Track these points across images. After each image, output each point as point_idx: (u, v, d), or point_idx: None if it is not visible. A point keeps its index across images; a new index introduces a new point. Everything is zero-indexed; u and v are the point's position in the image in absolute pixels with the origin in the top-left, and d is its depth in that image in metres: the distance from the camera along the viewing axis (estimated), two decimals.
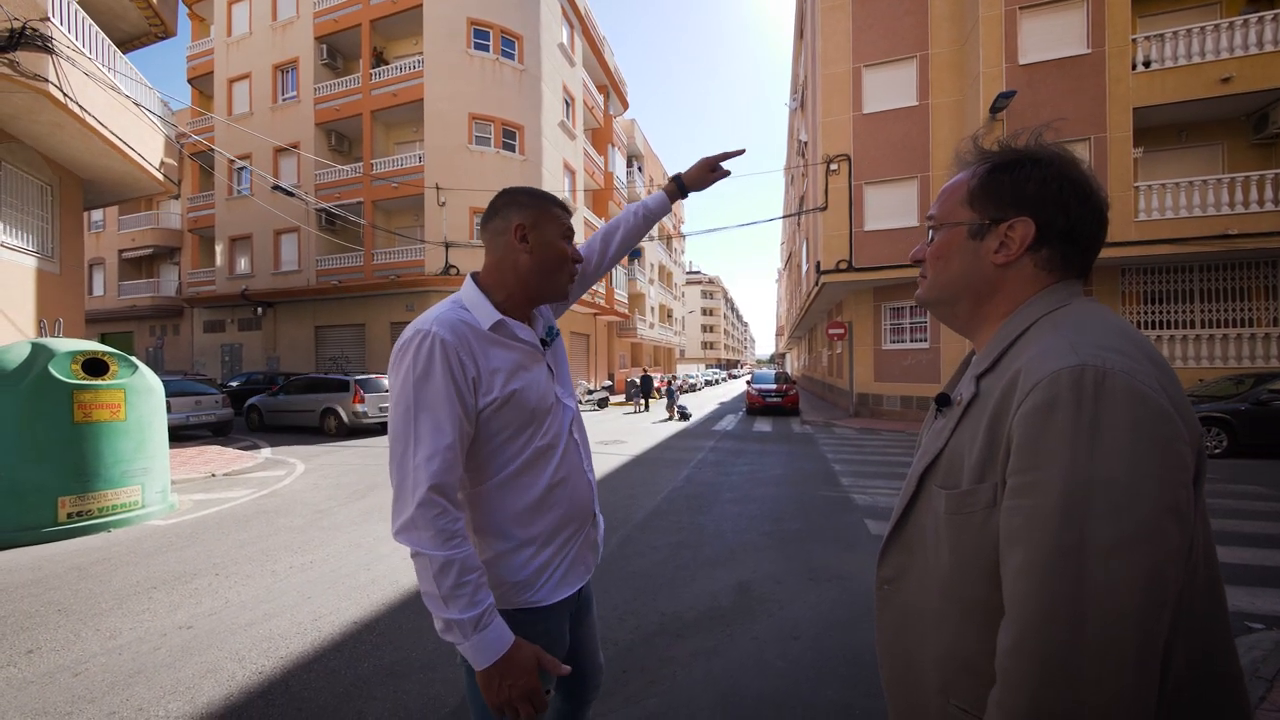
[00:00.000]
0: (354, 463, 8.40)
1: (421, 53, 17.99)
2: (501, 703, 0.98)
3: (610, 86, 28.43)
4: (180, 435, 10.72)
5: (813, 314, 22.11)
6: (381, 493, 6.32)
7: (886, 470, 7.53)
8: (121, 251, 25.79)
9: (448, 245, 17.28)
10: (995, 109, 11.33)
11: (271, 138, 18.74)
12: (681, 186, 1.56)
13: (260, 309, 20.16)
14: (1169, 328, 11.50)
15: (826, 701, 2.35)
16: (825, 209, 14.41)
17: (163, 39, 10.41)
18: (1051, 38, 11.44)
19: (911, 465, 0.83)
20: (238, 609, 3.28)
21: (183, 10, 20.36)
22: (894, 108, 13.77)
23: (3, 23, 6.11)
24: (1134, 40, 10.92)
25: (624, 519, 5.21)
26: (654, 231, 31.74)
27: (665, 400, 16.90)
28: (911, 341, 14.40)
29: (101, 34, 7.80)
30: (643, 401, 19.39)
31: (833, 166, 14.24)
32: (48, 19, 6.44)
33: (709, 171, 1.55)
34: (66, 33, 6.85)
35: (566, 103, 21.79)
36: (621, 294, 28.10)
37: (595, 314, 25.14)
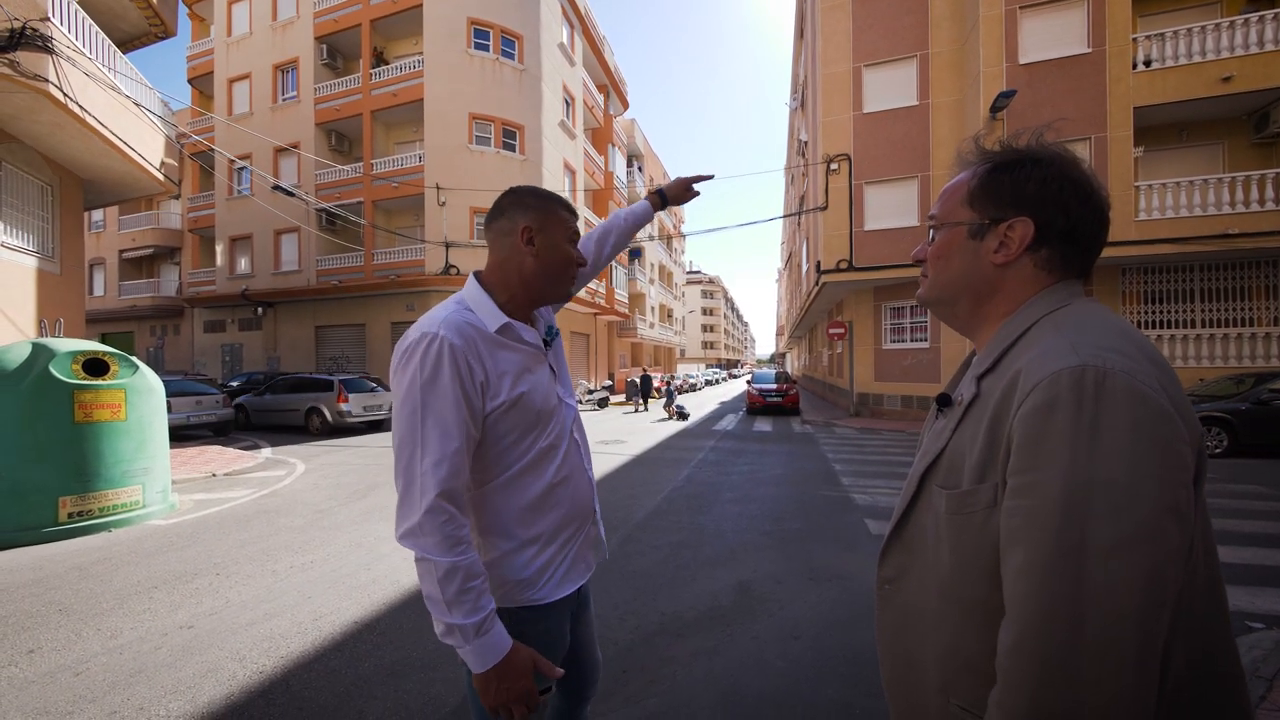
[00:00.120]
0: (354, 463, 8.40)
1: (421, 53, 17.98)
2: (498, 705, 1.00)
3: (610, 86, 28.42)
4: (181, 435, 10.73)
5: (813, 314, 22.11)
6: (382, 493, 6.32)
7: (887, 470, 7.53)
8: (122, 251, 25.80)
9: (448, 245, 17.29)
10: (995, 108, 11.33)
11: (272, 138, 18.74)
12: (663, 198, 1.73)
13: (260, 309, 20.16)
14: (1169, 327, 11.50)
15: (827, 701, 2.35)
16: (825, 209, 14.41)
17: (163, 39, 10.41)
18: (1052, 37, 11.44)
19: (912, 465, 0.83)
20: (238, 609, 3.28)
21: (183, 10, 20.37)
22: (894, 107, 13.77)
23: (3, 23, 6.12)
24: (1134, 39, 10.92)
25: (624, 519, 5.21)
26: (654, 231, 31.76)
27: (664, 400, 16.92)
28: (912, 341, 14.41)
29: (101, 34, 7.80)
30: (642, 401, 19.42)
31: (833, 166, 14.24)
32: (48, 19, 6.44)
33: (684, 190, 1.74)
34: (66, 33, 6.85)
35: (566, 102, 21.79)
36: (622, 294, 28.11)
37: (595, 314, 25.15)
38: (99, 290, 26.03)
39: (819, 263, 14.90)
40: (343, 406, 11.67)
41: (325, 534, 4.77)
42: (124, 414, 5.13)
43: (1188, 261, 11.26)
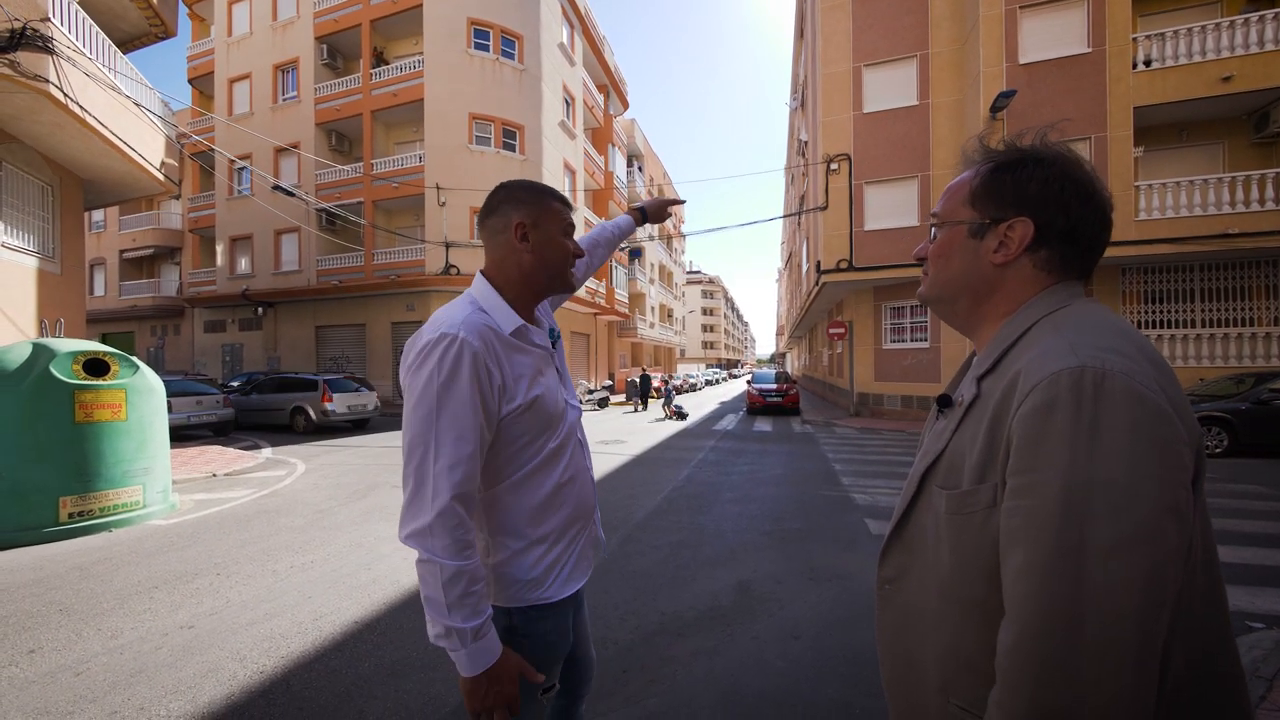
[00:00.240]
0: (354, 463, 8.40)
1: (421, 53, 17.98)
2: (482, 709, 1.00)
3: (610, 86, 28.42)
4: (181, 435, 10.73)
5: (813, 314, 22.11)
6: (382, 493, 6.32)
7: (887, 470, 7.54)
8: (122, 252, 25.81)
9: (448, 245, 17.29)
10: (995, 108, 11.33)
11: (272, 138, 18.74)
12: (644, 214, 1.86)
13: (261, 309, 20.17)
14: (1169, 327, 11.50)
15: (827, 700, 2.35)
16: (825, 208, 14.41)
17: (163, 39, 10.41)
18: (1052, 37, 11.44)
19: (913, 466, 0.83)
20: (239, 608, 3.28)
21: (183, 10, 20.38)
22: (894, 107, 13.77)
23: (3, 23, 6.12)
24: (1134, 39, 10.91)
25: (624, 518, 5.22)
26: (654, 231, 31.72)
27: (663, 400, 16.94)
28: (912, 341, 14.41)
29: (102, 34, 7.80)
30: (641, 401, 19.44)
31: (833, 166, 14.24)
32: (48, 19, 6.44)
33: (662, 209, 1.88)
34: (67, 33, 6.85)
35: (566, 102, 21.79)
36: (622, 294, 28.10)
37: (595, 314, 25.15)
38: (99, 290, 26.04)
39: (819, 262, 14.90)
40: (327, 406, 11.91)
41: (325, 534, 4.77)
42: (124, 414, 5.13)
43: (1188, 261, 11.26)
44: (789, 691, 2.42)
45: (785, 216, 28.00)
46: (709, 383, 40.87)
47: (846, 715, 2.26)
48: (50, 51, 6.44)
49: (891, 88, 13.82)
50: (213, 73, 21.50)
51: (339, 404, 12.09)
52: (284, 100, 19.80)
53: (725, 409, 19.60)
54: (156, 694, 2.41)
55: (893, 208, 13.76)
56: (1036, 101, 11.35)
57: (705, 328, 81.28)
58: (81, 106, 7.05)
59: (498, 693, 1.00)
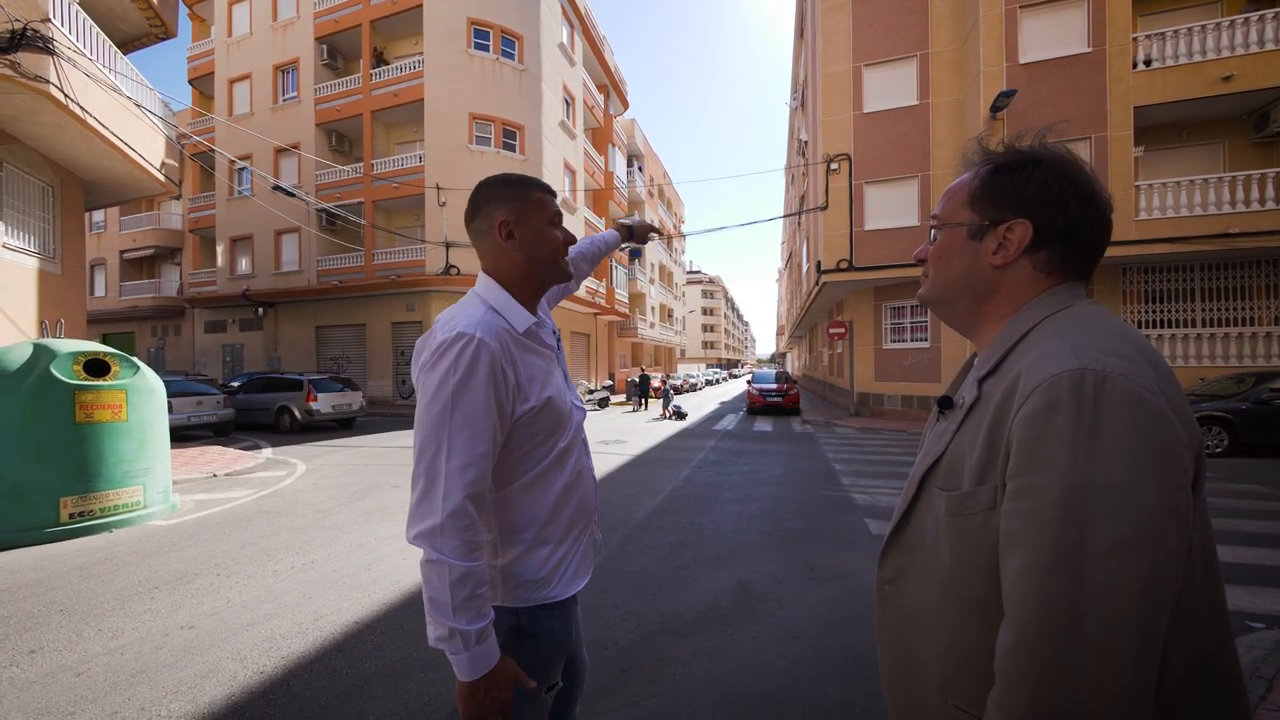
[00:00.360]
0: (355, 463, 8.41)
1: (421, 53, 17.99)
2: (478, 714, 1.00)
3: (610, 86, 28.42)
4: (181, 435, 10.74)
5: (813, 314, 22.11)
6: (382, 493, 6.32)
7: (887, 470, 7.54)
8: (123, 252, 25.82)
9: (448, 245, 17.29)
10: (995, 108, 11.33)
11: (272, 138, 18.74)
12: (629, 232, 1.93)
13: (261, 309, 20.18)
14: (1170, 326, 11.49)
15: (827, 700, 2.35)
16: (825, 208, 14.41)
17: (163, 40, 10.41)
18: (1052, 37, 11.43)
19: (913, 467, 0.83)
20: (239, 609, 3.28)
21: (183, 11, 20.39)
22: (894, 107, 13.77)
23: (4, 24, 6.12)
24: (1134, 39, 10.91)
25: (624, 518, 5.22)
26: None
27: (662, 400, 16.97)
28: (912, 341, 14.41)
29: (102, 35, 7.80)
30: (641, 401, 19.45)
31: (833, 166, 14.24)
32: (48, 20, 6.44)
33: (645, 232, 1.97)
34: (67, 34, 6.85)
35: (566, 102, 21.79)
36: (622, 294, 28.11)
37: (596, 314, 25.15)
38: (100, 291, 26.06)
39: (819, 262, 14.90)
40: (312, 405, 12.23)
41: (326, 534, 4.78)
42: (125, 414, 5.13)
43: (1188, 261, 11.25)
44: (789, 691, 2.43)
45: (785, 216, 28.00)
46: (709, 383, 40.86)
47: (846, 715, 2.26)
48: (50, 52, 6.45)
49: (891, 87, 13.82)
50: (213, 73, 21.51)
51: (324, 403, 12.44)
52: (284, 100, 19.81)
53: (725, 409, 19.60)
54: (157, 694, 2.41)
55: (893, 208, 13.75)
56: (1036, 101, 11.35)
57: (705, 328, 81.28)
58: (82, 107, 7.06)
59: (495, 697, 0.99)
